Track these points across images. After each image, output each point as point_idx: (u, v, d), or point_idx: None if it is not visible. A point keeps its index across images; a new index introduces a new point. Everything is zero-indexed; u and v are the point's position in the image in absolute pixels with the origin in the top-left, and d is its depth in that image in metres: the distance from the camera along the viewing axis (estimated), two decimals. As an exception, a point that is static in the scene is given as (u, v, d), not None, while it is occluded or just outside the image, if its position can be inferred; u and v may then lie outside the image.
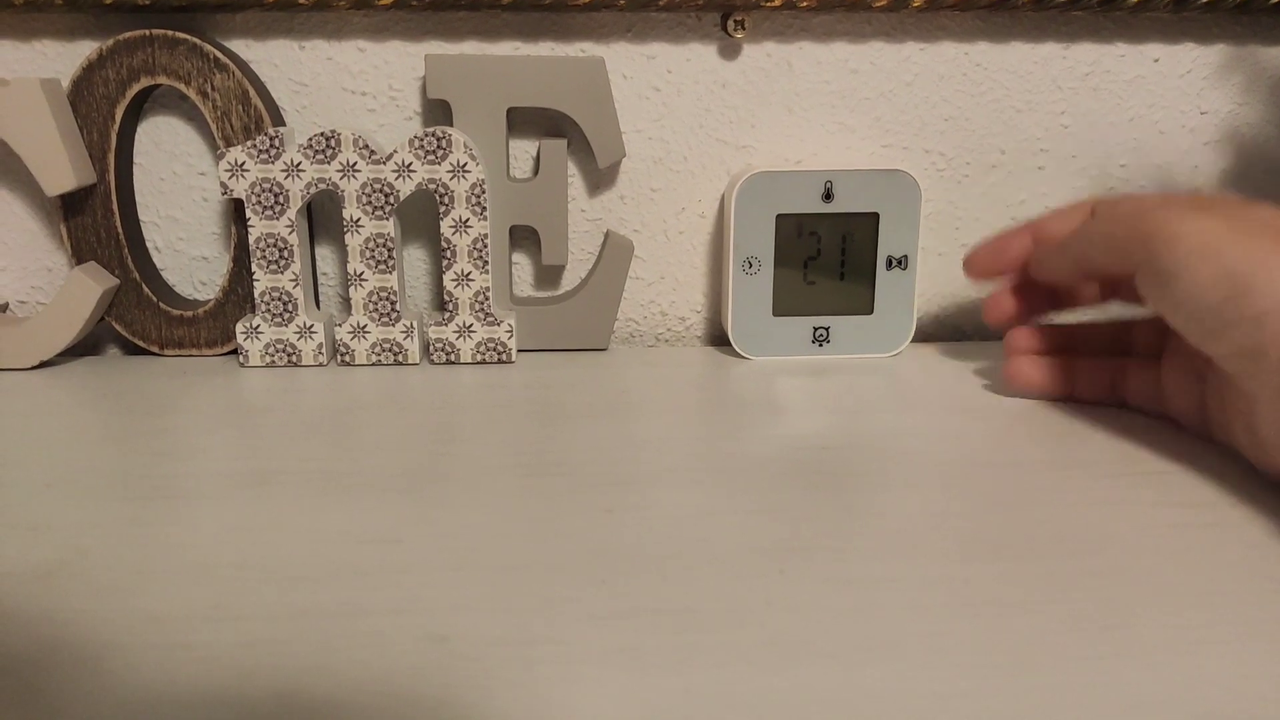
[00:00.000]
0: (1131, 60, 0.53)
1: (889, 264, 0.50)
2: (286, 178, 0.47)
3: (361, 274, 0.48)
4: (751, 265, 0.50)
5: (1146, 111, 0.54)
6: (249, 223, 0.48)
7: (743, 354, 0.51)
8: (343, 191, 0.47)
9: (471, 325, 0.50)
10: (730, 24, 0.50)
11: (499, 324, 0.50)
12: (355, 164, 0.47)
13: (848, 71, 0.52)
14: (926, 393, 0.47)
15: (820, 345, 0.51)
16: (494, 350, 0.50)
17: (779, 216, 0.49)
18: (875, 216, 0.50)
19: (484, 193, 0.48)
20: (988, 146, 0.54)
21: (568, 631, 0.28)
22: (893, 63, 0.52)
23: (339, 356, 0.50)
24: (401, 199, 0.48)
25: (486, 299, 0.49)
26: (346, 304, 0.49)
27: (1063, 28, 0.52)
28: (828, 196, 0.49)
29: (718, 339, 0.56)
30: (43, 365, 0.50)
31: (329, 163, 0.47)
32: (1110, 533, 0.34)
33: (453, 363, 0.50)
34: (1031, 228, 0.45)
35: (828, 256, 0.50)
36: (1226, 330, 0.34)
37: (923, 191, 0.50)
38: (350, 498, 0.36)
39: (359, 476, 0.37)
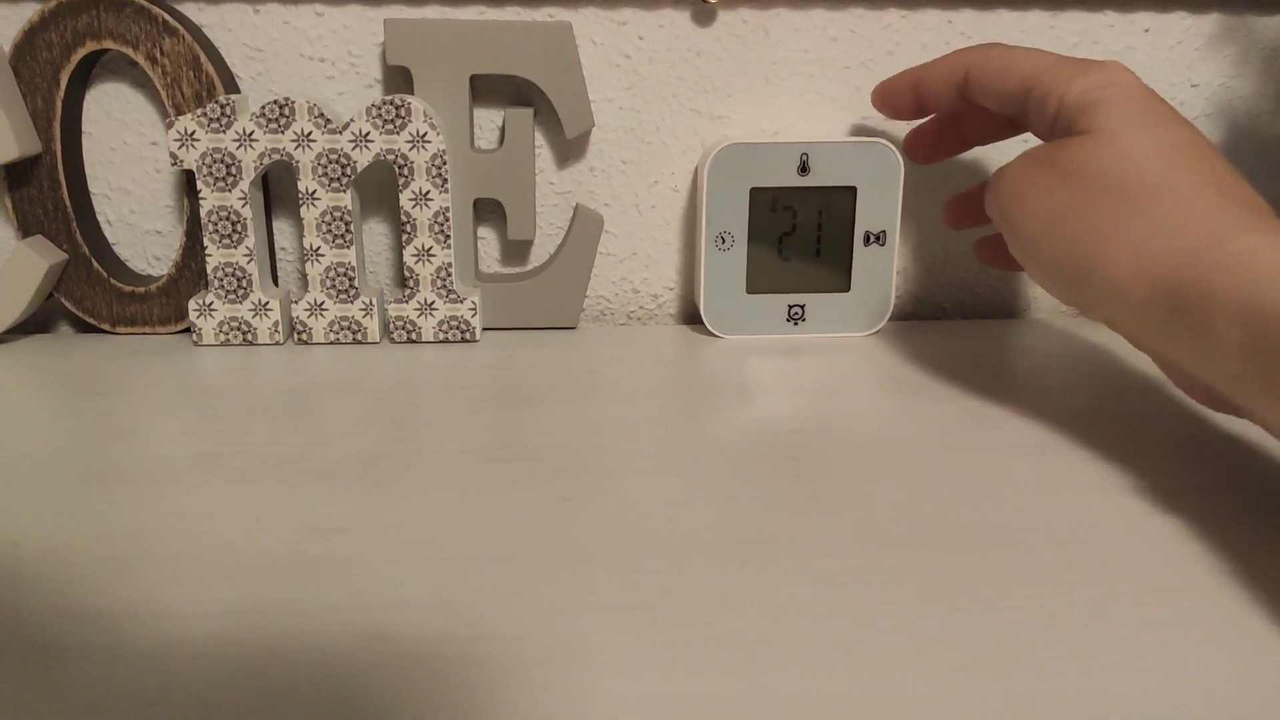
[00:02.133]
0: (1121, 30, 0.51)
1: (867, 239, 0.48)
2: (239, 148, 0.45)
3: (318, 249, 0.47)
4: (724, 241, 0.48)
5: (1135, 83, 0.52)
6: (200, 195, 0.46)
7: (715, 332, 0.49)
8: (297, 162, 0.45)
9: (433, 303, 0.48)
10: (704, -11, 0.48)
11: (462, 301, 0.48)
12: (310, 133, 0.45)
13: (827, 39, 0.50)
14: (903, 373, 0.45)
15: (795, 324, 0.50)
16: (457, 329, 0.48)
17: (753, 190, 0.47)
18: (853, 190, 0.48)
19: (445, 164, 0.46)
20: (971, 118, 0.52)
21: (515, 629, 0.26)
22: (873, 30, 0.50)
23: (296, 335, 0.48)
24: (359, 170, 0.46)
25: (449, 275, 0.47)
26: (306, 280, 0.48)
27: (1050, -5, 0.50)
28: (804, 169, 0.47)
29: (691, 317, 0.54)
30: (-11, 343, 0.48)
31: (283, 132, 0.45)
32: (1090, 522, 0.32)
33: (414, 342, 0.48)
34: (913, 83, 0.44)
35: (803, 232, 0.48)
36: (1076, 306, 0.37)
37: (903, 164, 0.48)
38: (299, 484, 0.34)
39: (309, 461, 0.36)
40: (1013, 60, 0.39)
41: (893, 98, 0.46)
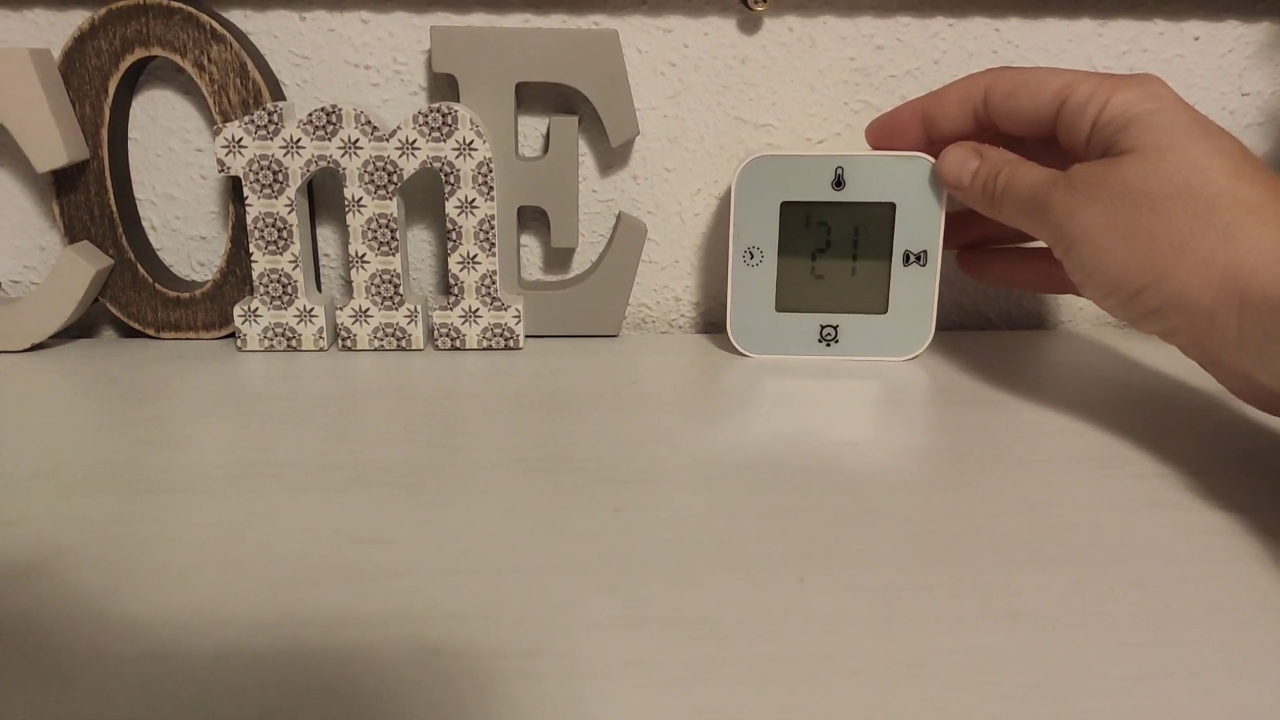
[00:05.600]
0: (1171, 38, 0.51)
1: (906, 259, 0.46)
2: (285, 155, 0.45)
3: (363, 256, 0.47)
4: (753, 256, 0.47)
5: (1185, 92, 0.51)
6: (246, 201, 0.46)
7: (742, 351, 0.48)
8: (344, 169, 0.45)
9: (478, 310, 0.48)
10: (750, -4, 0.48)
11: (506, 309, 0.48)
12: (357, 141, 0.45)
13: (873, 48, 0.50)
14: (951, 385, 0.45)
15: (828, 345, 0.48)
16: (501, 336, 0.48)
17: (784, 204, 0.46)
18: (892, 207, 0.46)
19: (491, 172, 0.45)
20: (1019, 127, 0.51)
21: (571, 643, 0.26)
22: (920, 39, 0.50)
23: (340, 341, 0.48)
24: (405, 178, 0.46)
25: (493, 283, 0.47)
26: (349, 287, 0.48)
27: (1099, 3, 0.50)
28: (839, 184, 0.45)
29: (733, 326, 0.54)
30: (35, 348, 0.48)
31: (330, 139, 0.45)
32: (1153, 539, 0.31)
33: (458, 349, 0.48)
34: (920, 112, 0.44)
35: (838, 249, 0.47)
36: (1130, 318, 0.36)
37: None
38: (345, 493, 0.34)
39: (355, 470, 0.36)
40: (1041, 75, 0.40)
41: (897, 129, 0.45)
